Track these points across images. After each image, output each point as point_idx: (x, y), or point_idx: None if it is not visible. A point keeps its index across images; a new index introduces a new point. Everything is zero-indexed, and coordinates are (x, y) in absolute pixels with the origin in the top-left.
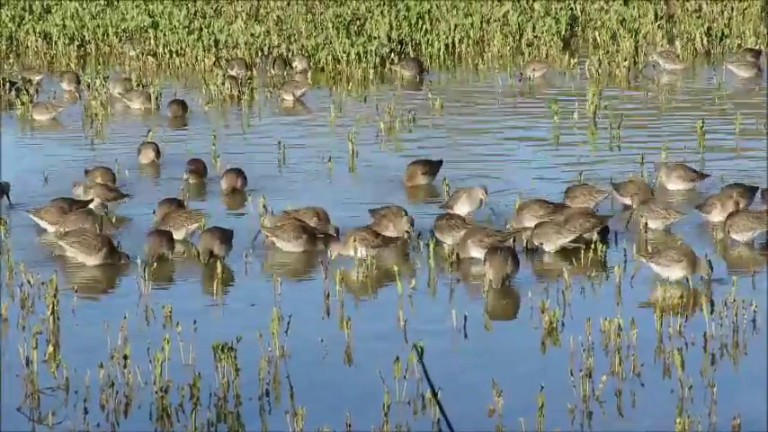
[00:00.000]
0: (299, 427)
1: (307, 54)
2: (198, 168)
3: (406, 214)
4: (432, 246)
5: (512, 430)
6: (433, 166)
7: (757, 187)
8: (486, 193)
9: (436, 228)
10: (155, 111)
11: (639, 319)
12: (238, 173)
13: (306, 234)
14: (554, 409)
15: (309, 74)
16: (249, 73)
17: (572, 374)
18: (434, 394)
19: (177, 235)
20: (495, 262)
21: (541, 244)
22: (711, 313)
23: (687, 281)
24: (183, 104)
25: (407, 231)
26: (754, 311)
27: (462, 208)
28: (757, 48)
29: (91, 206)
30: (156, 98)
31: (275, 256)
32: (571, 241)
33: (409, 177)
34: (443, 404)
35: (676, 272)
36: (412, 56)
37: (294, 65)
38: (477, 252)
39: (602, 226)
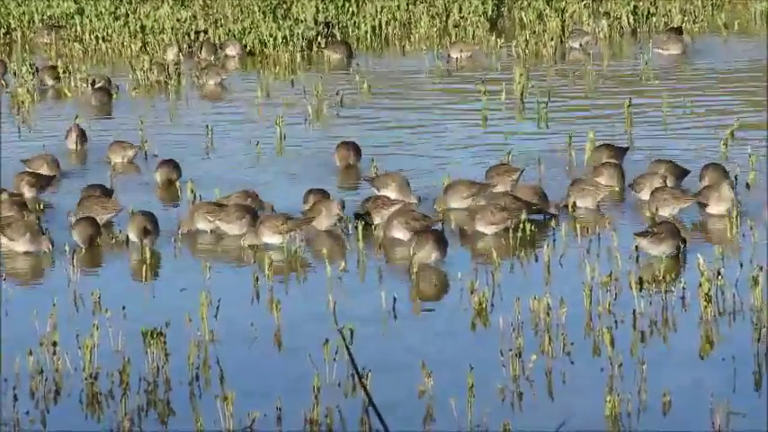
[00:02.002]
0: (229, 412)
1: (237, 38)
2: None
3: (342, 209)
4: (360, 228)
5: (442, 411)
6: (358, 148)
7: (689, 170)
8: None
9: (365, 210)
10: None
11: (568, 298)
12: (172, 164)
13: (249, 214)
14: (484, 390)
15: (237, 59)
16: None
17: (502, 354)
18: (360, 380)
19: None
20: (419, 247)
21: (473, 230)
22: (640, 291)
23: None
24: (107, 91)
25: (338, 216)
26: (683, 288)
27: (390, 193)
28: (680, 26)
29: (26, 194)
30: (99, 85)
31: (205, 240)
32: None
33: (341, 159)
34: (374, 386)
35: (664, 248)
36: (339, 38)
37: (227, 50)
38: (401, 233)
39: (523, 209)
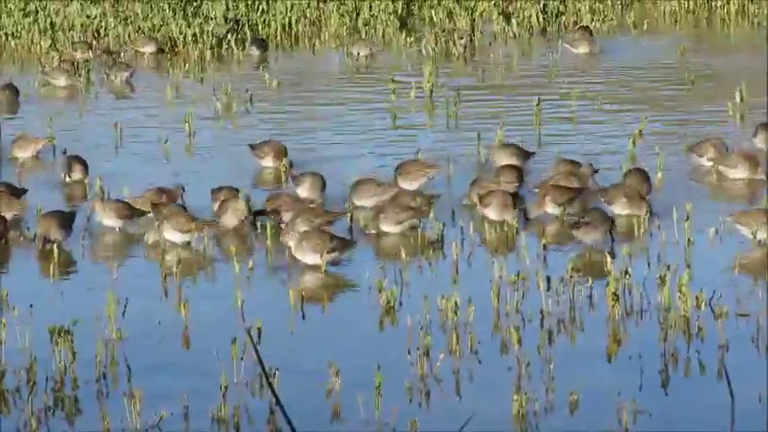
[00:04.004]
0: (136, 410)
1: (152, 36)
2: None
3: (249, 207)
4: (269, 226)
5: (349, 410)
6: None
7: (597, 170)
8: (324, 183)
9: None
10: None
11: (476, 297)
12: (78, 161)
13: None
14: (392, 388)
15: (147, 56)
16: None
17: (409, 353)
18: (267, 379)
19: None
20: (299, 247)
21: (378, 230)
22: (548, 290)
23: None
24: (14, 89)
25: (245, 217)
26: (591, 287)
27: (303, 192)
28: (589, 26)
29: None
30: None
31: (112, 238)
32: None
33: (276, 156)
34: (281, 384)
35: (598, 235)
36: (257, 35)
37: (143, 49)
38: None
39: (430, 205)
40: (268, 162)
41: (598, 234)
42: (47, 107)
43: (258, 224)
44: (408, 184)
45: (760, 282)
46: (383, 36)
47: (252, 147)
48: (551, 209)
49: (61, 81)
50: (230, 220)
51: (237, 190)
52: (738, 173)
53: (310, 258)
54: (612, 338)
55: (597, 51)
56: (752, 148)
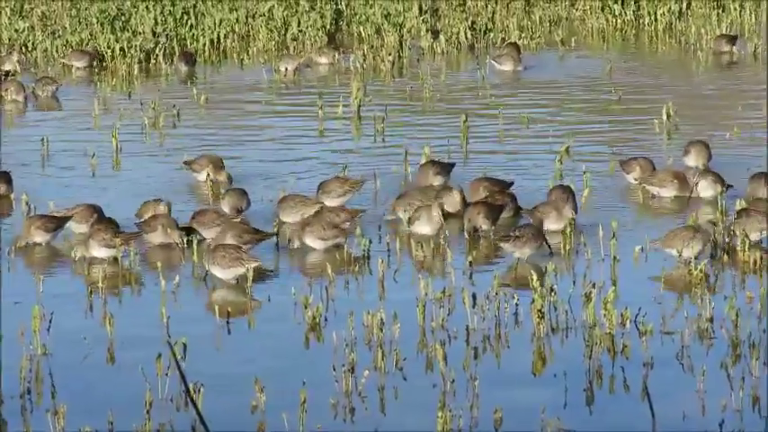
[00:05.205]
0: (60, 426)
1: (84, 50)
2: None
3: (178, 228)
4: (195, 241)
5: (274, 426)
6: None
7: (511, 182)
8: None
9: (197, 224)
10: None
11: (402, 313)
12: (2, 175)
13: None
14: (316, 405)
15: (75, 70)
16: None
17: (335, 369)
18: (190, 395)
19: None
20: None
21: (303, 243)
22: (474, 306)
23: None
24: None
25: (177, 242)
26: (516, 305)
27: (226, 207)
28: (517, 42)
29: None
30: None
31: (39, 253)
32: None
33: (214, 169)
34: (206, 400)
35: (527, 250)
36: (179, 50)
37: (77, 63)
38: None
39: (353, 218)
40: (204, 176)
41: (526, 249)
42: None
43: (186, 239)
44: (331, 201)
45: (685, 299)
46: (310, 51)
47: (187, 162)
48: (484, 225)
49: (18, 95)
50: (157, 236)
51: (166, 205)
52: (667, 191)
53: (227, 273)
54: (537, 355)
55: (521, 69)
56: (680, 167)
